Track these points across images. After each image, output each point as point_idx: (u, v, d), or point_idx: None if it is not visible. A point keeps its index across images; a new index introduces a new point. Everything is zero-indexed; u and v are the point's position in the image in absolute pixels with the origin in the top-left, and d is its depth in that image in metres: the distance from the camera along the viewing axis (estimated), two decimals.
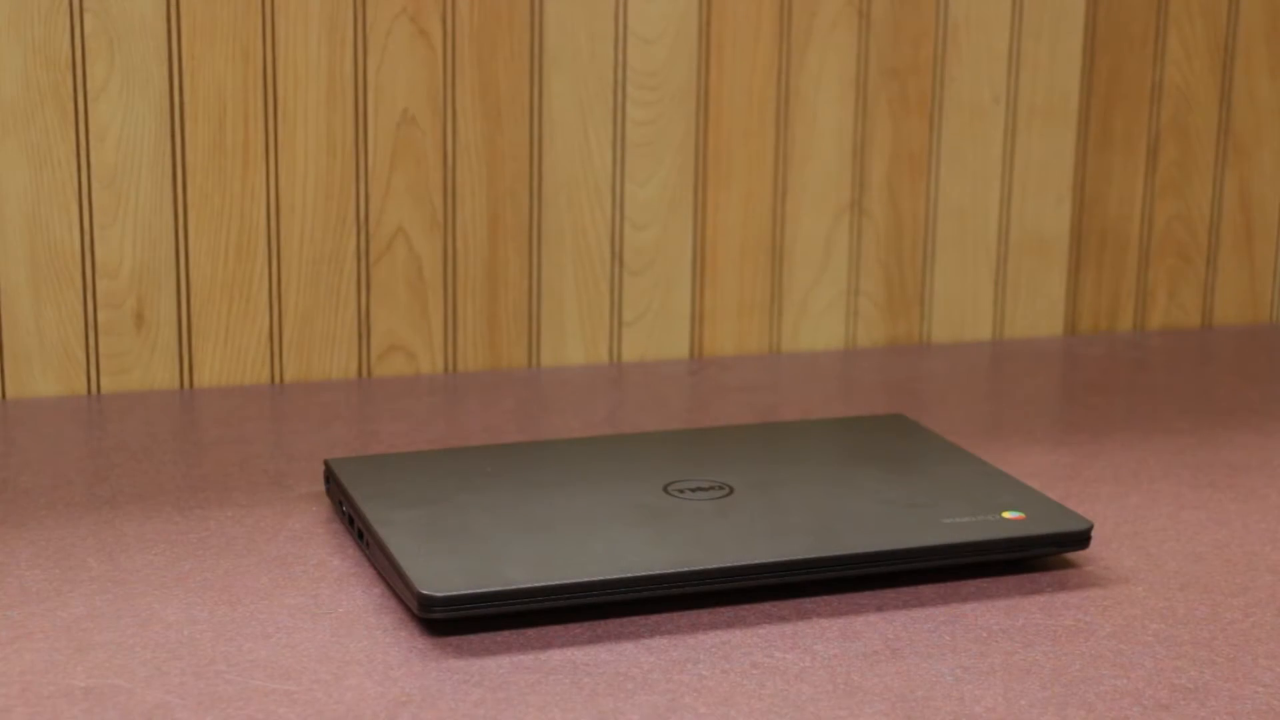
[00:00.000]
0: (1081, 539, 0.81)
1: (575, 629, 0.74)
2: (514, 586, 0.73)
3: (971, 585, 0.79)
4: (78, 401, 1.05)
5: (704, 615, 0.75)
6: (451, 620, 0.73)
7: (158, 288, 1.07)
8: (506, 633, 0.73)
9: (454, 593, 0.72)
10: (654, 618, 0.75)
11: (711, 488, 0.84)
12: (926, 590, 0.79)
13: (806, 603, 0.77)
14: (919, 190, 1.21)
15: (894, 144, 1.19)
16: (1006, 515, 0.82)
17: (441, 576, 0.73)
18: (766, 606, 0.76)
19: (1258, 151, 1.28)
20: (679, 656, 0.72)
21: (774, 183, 1.17)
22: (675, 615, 0.75)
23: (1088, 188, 1.25)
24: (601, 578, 0.74)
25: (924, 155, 1.20)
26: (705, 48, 1.14)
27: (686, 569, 0.75)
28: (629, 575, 0.75)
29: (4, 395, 1.06)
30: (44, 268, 1.05)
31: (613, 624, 0.74)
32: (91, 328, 1.07)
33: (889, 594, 0.78)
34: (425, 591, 0.72)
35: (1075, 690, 0.69)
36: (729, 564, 0.76)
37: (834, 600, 0.77)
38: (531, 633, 0.73)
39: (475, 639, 0.73)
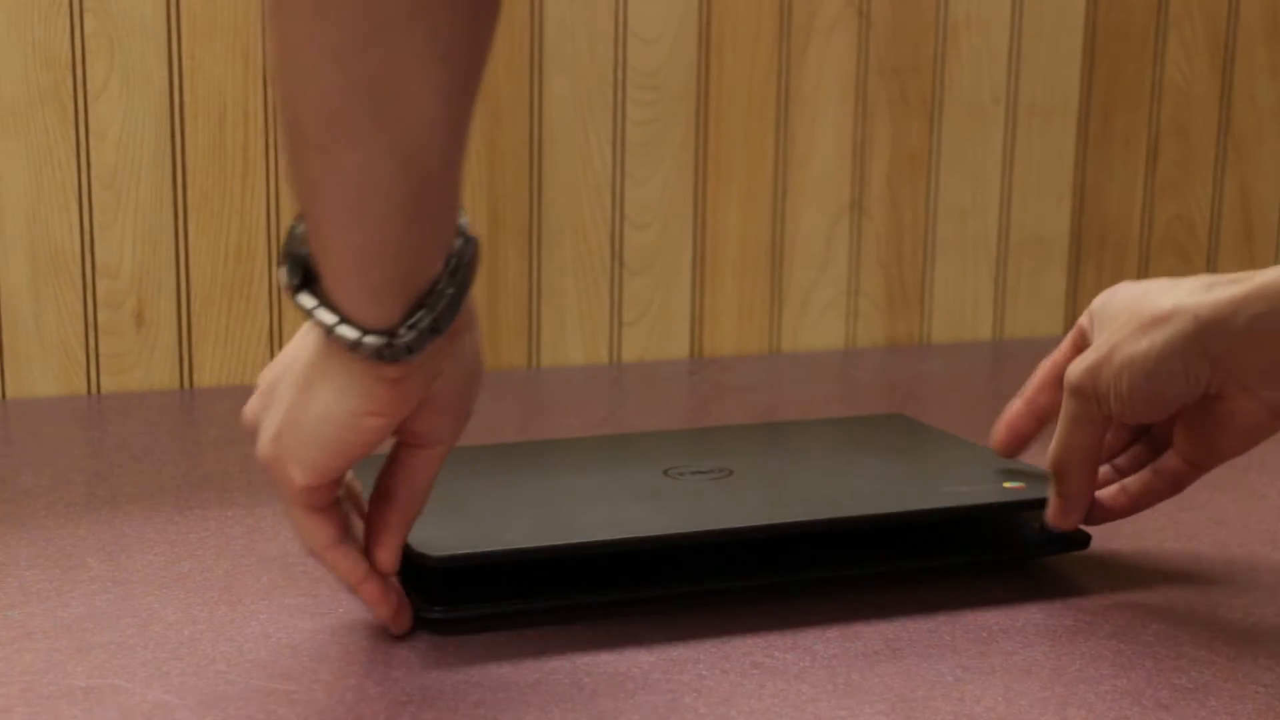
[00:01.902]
0: (1082, 539, 0.80)
1: (575, 629, 0.74)
2: (512, 547, 0.72)
3: (971, 585, 0.79)
4: (78, 401, 1.05)
5: (704, 615, 0.75)
6: (452, 621, 0.73)
7: (158, 288, 1.07)
8: (506, 633, 0.73)
9: (451, 552, 0.71)
10: (654, 618, 0.75)
11: (711, 470, 0.84)
12: (926, 590, 0.79)
13: (806, 603, 0.77)
14: (919, 190, 1.21)
15: (894, 144, 1.19)
16: (1007, 485, 0.81)
17: (438, 540, 0.73)
18: (766, 606, 0.76)
19: (1258, 151, 1.28)
20: (679, 656, 0.72)
21: (774, 183, 1.17)
22: (675, 615, 0.75)
23: (1088, 188, 1.25)
24: (599, 539, 0.73)
25: (924, 155, 1.20)
26: (705, 48, 1.14)
27: (684, 530, 0.74)
28: (627, 536, 0.74)
29: (4, 395, 1.06)
30: (44, 268, 1.05)
31: (613, 624, 0.74)
32: (91, 328, 1.07)
33: (889, 594, 0.78)
34: (421, 550, 0.71)
35: (1075, 690, 0.69)
36: (727, 526, 0.75)
37: (834, 600, 0.77)
38: (531, 633, 0.73)
39: (475, 639, 0.73)
